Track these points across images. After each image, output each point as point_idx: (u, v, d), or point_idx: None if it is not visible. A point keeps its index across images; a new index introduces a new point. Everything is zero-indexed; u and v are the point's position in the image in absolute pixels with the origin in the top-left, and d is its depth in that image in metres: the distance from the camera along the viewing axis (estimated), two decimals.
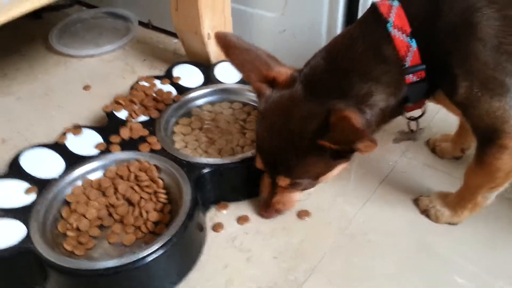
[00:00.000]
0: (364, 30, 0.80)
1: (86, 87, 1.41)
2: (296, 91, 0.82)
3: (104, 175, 1.03)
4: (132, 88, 1.23)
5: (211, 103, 1.22)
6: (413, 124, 0.99)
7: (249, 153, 1.02)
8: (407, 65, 0.78)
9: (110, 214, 0.99)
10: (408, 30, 0.76)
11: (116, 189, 1.01)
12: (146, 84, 1.23)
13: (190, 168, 1.00)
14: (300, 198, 0.98)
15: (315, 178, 0.89)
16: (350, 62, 0.79)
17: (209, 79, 1.25)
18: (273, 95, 0.84)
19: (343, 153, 0.83)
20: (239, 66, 0.86)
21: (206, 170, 1.00)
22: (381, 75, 0.78)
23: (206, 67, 1.29)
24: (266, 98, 0.85)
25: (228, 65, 1.28)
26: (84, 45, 1.60)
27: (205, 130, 1.14)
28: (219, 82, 1.24)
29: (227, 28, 1.31)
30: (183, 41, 1.34)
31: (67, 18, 1.71)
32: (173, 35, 1.60)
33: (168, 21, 1.55)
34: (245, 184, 1.04)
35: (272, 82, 0.84)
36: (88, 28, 1.70)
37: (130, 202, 1.00)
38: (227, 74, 1.26)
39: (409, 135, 0.98)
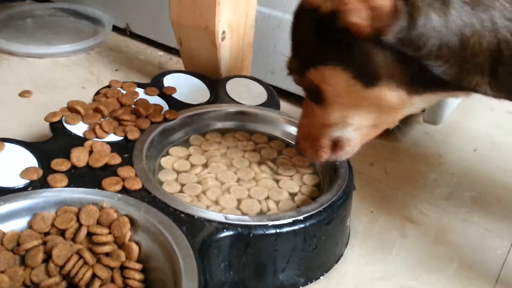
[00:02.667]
0: None
1: (25, 93, 0.95)
2: None
3: (30, 226, 0.56)
4: (98, 93, 0.79)
5: (221, 131, 0.79)
6: None
7: (292, 213, 0.59)
8: None
9: None
10: None
11: (48, 255, 0.53)
12: (122, 90, 0.79)
13: (193, 227, 0.55)
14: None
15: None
16: None
17: (218, 96, 0.83)
18: None
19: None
20: None
21: (223, 234, 0.55)
22: None
23: (214, 81, 0.87)
24: None
25: (246, 82, 0.88)
26: (32, 42, 1.15)
27: (213, 168, 0.70)
28: (233, 101, 0.82)
29: (248, 30, 0.91)
30: (181, 41, 0.92)
31: (13, 9, 1.26)
32: (158, 46, 1.19)
33: (153, 28, 1.15)
34: (284, 266, 0.59)
35: None
36: (41, 25, 1.26)
37: (71, 283, 0.52)
38: (244, 93, 0.85)
39: None
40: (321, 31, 0.49)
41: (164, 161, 0.70)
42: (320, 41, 0.50)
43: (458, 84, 0.48)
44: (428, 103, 0.54)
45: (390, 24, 0.44)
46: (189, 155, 0.73)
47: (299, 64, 0.55)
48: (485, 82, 0.47)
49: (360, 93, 0.50)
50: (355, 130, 0.55)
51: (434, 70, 0.46)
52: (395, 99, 0.50)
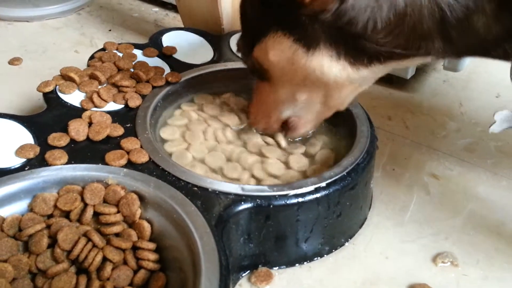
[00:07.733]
0: None
1: (14, 61, 0.89)
2: None
3: (31, 209, 0.51)
4: (92, 57, 0.72)
5: (235, 92, 0.73)
6: None
7: (314, 180, 0.54)
8: None
9: None
10: None
11: (53, 239, 0.49)
12: (118, 53, 0.73)
13: (208, 201, 0.51)
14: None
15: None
16: None
17: (222, 54, 0.77)
18: None
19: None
20: None
21: (241, 207, 0.51)
22: None
23: (216, 37, 0.81)
24: None
25: None
26: (19, 5, 1.07)
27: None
28: (239, 58, 0.76)
29: None
30: None
31: None
32: (153, 1, 1.12)
33: None
34: (308, 236, 0.55)
35: None
36: None
37: (81, 268, 0.48)
38: None
39: None
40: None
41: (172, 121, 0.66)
42: (264, 8, 0.50)
43: (407, 54, 0.47)
44: (381, 74, 0.52)
45: (327, 4, 0.44)
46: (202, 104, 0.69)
47: (246, 42, 0.55)
48: (438, 47, 0.45)
49: (303, 61, 0.49)
50: (305, 108, 0.55)
51: (378, 42, 0.45)
52: (338, 71, 0.48)
